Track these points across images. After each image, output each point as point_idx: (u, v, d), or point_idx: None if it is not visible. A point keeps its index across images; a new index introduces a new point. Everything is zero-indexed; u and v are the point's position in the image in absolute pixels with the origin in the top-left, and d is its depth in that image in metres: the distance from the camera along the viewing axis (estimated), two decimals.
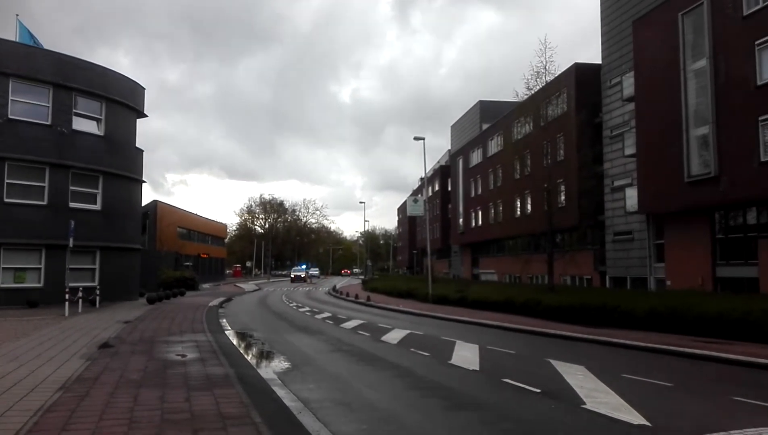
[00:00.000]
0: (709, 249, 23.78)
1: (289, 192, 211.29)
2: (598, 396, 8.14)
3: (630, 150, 29.14)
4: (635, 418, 6.90)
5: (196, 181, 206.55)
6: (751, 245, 21.88)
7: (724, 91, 22.27)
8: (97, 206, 27.16)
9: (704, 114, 23.21)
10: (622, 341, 13.90)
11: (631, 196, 29.14)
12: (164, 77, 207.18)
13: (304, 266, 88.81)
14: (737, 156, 21.54)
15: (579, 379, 9.40)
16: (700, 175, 23.29)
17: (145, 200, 45.95)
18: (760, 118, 20.48)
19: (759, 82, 20.64)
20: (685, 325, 15.03)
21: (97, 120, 27.46)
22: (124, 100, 28.75)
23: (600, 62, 34.14)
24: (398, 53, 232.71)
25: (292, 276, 77.44)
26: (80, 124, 26.68)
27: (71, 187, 26.02)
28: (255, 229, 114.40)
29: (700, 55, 23.42)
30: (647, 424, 6.67)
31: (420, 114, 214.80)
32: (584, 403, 7.72)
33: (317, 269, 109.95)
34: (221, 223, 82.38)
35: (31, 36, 27.62)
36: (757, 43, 20.70)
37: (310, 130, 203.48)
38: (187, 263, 52.48)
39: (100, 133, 27.50)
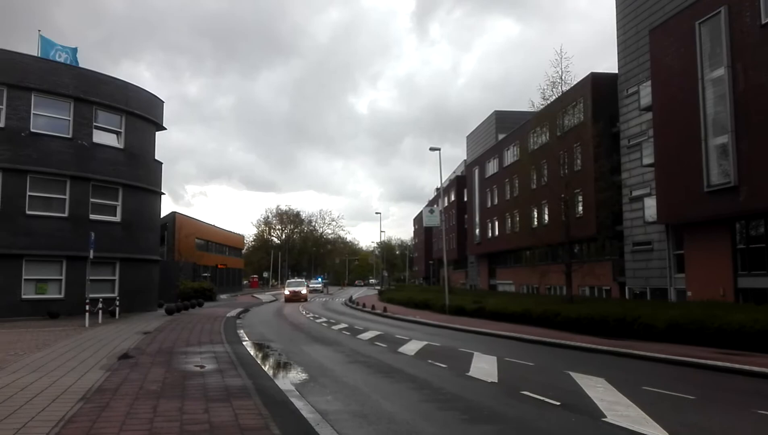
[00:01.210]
0: (729, 259, 23.43)
1: (307, 203, 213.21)
2: (618, 409, 8.04)
3: (648, 159, 28.89)
4: (657, 431, 6.80)
5: (215, 192, 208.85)
6: None
7: (743, 100, 22.02)
8: (117, 218, 27.51)
9: (723, 123, 22.96)
10: (642, 353, 13.72)
11: (650, 206, 28.86)
12: (185, 90, 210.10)
13: (304, 280, 67.69)
14: (757, 165, 21.24)
15: (599, 391, 9.29)
16: (719, 185, 23.01)
17: (164, 211, 46.59)
18: None
19: None
20: (707, 336, 14.79)
21: (117, 133, 27.90)
22: (143, 114, 29.18)
23: (617, 71, 33.99)
24: (416, 64, 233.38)
25: (287, 293, 51.11)
26: (100, 137, 27.13)
27: (91, 199, 26.41)
28: (272, 239, 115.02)
29: (718, 63, 23.21)
30: None
31: (438, 125, 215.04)
32: (605, 416, 7.62)
33: (320, 279, 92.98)
34: (238, 234, 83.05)
35: (54, 47, 28.14)
36: None
37: (328, 141, 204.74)
38: (205, 274, 52.88)
39: (120, 145, 27.93)
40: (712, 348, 14.08)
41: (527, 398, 8.98)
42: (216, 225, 69.93)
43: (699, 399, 8.87)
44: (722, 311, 16.21)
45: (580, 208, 33.51)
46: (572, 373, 11.02)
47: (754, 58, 21.57)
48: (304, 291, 51.67)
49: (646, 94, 29.05)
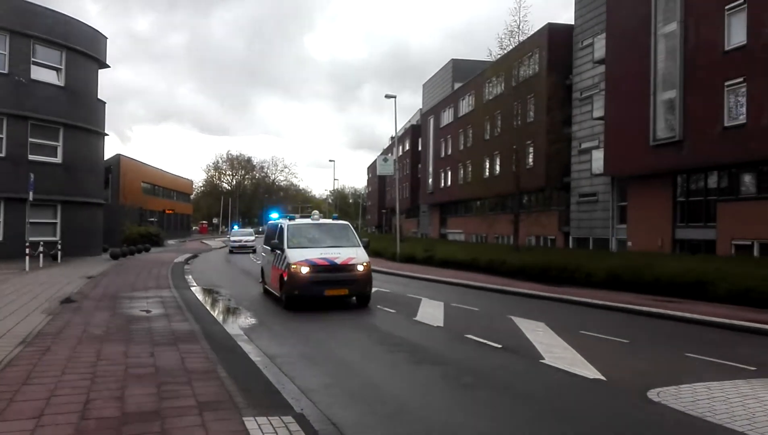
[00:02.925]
0: (669, 211, 24.39)
1: (260, 148, 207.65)
2: (556, 351, 8.39)
3: (598, 113, 29.37)
4: (591, 372, 7.16)
5: (165, 135, 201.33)
6: (710, 208, 22.50)
7: (693, 56, 22.49)
8: (58, 159, 26.38)
9: (672, 78, 23.46)
10: (582, 299, 14.30)
11: (598, 159, 29.53)
12: (134, 27, 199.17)
13: (251, 230, 51.63)
14: (702, 121, 21.91)
15: (539, 335, 9.67)
16: (664, 139, 23.69)
17: (109, 154, 44.89)
18: (726, 84, 20.79)
19: (727, 48, 20.87)
20: (644, 285, 15.49)
21: (57, 69, 26.43)
22: (85, 50, 27.66)
23: (573, 23, 34.02)
24: (378, 7, 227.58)
25: (233, 242, 42.42)
26: (39, 74, 25.66)
27: (30, 139, 25.17)
28: (222, 185, 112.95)
29: (671, 18, 23.51)
30: (602, 378, 6.92)
31: (398, 72, 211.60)
32: (543, 358, 7.96)
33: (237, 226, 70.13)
34: (187, 178, 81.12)
35: None
36: (727, 8, 20.83)
37: (284, 85, 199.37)
38: (152, 219, 51.68)
39: (60, 83, 26.52)
40: (649, 295, 14.78)
41: (470, 341, 9.27)
42: (164, 169, 68.11)
43: (632, 343, 9.34)
44: (659, 261, 16.99)
45: (531, 159, 33.98)
46: (514, 318, 11.41)
47: (705, 14, 21.93)
48: (250, 242, 41.66)
49: (600, 46, 29.27)
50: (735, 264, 15.72)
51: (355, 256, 13.18)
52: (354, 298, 13.48)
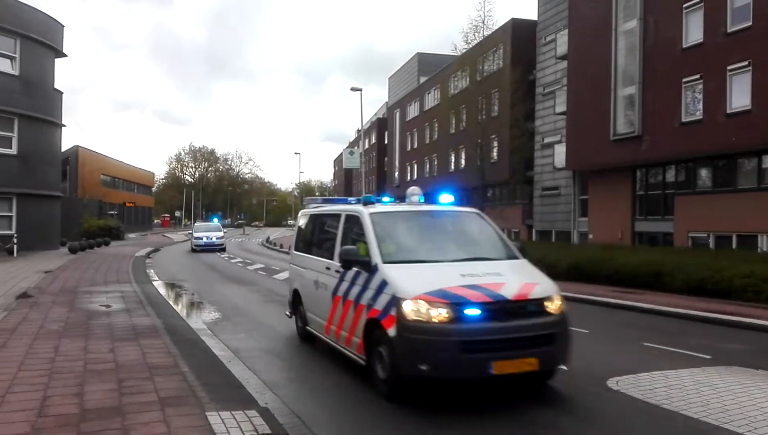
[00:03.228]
0: (629, 204, 24.97)
1: (224, 140, 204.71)
2: None
3: (561, 108, 29.84)
4: None
5: (126, 126, 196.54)
6: (668, 201, 23.12)
7: (652, 53, 23.01)
8: (13, 151, 25.51)
9: (632, 74, 23.97)
10: None
11: (560, 153, 30.02)
12: (95, 15, 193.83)
13: (219, 223, 45.59)
14: (660, 116, 22.47)
15: None
16: (624, 134, 24.21)
17: (67, 145, 43.68)
18: (683, 80, 21.34)
19: (684, 45, 21.40)
20: (605, 276, 15.86)
21: (11, 58, 25.50)
22: (40, 38, 26.76)
23: (537, 19, 34.41)
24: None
25: (195, 243, 34.88)
26: None
27: None
28: (185, 178, 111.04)
29: (632, 15, 24.00)
30: (563, 367, 7.04)
31: (365, 64, 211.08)
32: None
33: (216, 219, 61.68)
34: (148, 171, 79.42)
35: None
36: (684, 6, 21.36)
37: (248, 76, 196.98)
38: (112, 212, 50.45)
39: (15, 72, 25.60)
40: (609, 287, 15.13)
41: None
42: (124, 161, 66.59)
43: (592, 332, 9.54)
44: (619, 253, 17.39)
45: (495, 153, 34.35)
46: None
47: (664, 12, 22.44)
48: (217, 238, 34.60)
49: (562, 42, 29.69)
50: (691, 256, 16.19)
51: (533, 279, 6.32)
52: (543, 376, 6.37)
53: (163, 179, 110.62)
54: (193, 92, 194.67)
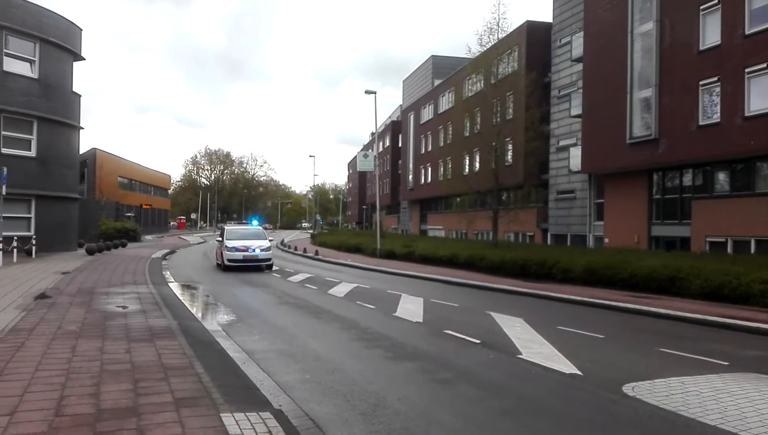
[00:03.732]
0: (645, 208, 24.74)
1: (240, 142, 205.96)
2: (533, 347, 8.48)
3: (576, 110, 29.66)
4: (567, 367, 7.25)
5: (143, 129, 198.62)
6: (685, 205, 22.88)
7: (668, 55, 22.81)
8: (32, 153, 25.87)
9: (648, 77, 23.78)
10: (559, 295, 14.45)
11: (575, 156, 29.83)
12: (114, 18, 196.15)
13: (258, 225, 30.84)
14: (677, 119, 22.25)
15: (517, 330, 9.76)
16: (641, 137, 24.01)
17: (85, 147, 44.19)
18: (700, 83, 21.13)
19: (701, 47, 21.20)
20: (620, 280, 15.74)
21: (31, 62, 25.89)
22: (59, 42, 27.14)
23: (551, 21, 34.26)
24: (360, 2, 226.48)
25: (231, 254, 22.45)
26: (12, 66, 25.10)
27: (3, 133, 24.63)
28: (200, 180, 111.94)
29: (648, 17, 23.81)
30: (578, 373, 7.01)
31: (381, 67, 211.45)
32: (520, 353, 8.04)
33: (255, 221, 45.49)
34: (165, 173, 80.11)
35: None
36: (702, 8, 21.16)
37: (265, 79, 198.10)
38: (129, 214, 50.95)
39: (34, 75, 25.98)
40: (625, 291, 15.00)
41: (449, 337, 9.32)
42: (141, 163, 67.23)
43: (608, 338, 9.47)
44: (635, 257, 17.24)
45: (510, 156, 34.16)
46: (493, 314, 11.49)
47: (681, 14, 22.24)
48: (262, 250, 22.76)
49: (578, 45, 29.54)
50: (708, 261, 16.00)
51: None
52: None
53: (179, 181, 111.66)
54: (209, 95, 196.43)
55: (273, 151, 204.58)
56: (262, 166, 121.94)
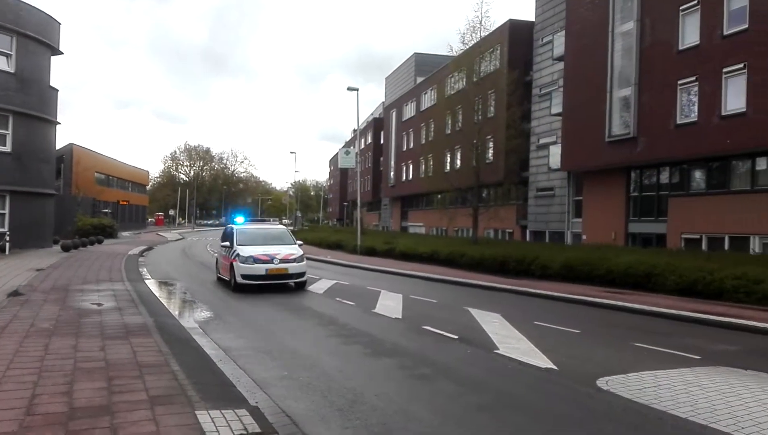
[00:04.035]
0: (623, 206, 25.03)
1: (221, 138, 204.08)
2: (511, 342, 8.54)
3: (557, 109, 29.88)
4: (544, 362, 7.32)
5: (123, 123, 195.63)
6: (661, 203, 23.18)
7: (648, 54, 23.07)
8: (7, 148, 25.40)
9: (628, 76, 24.03)
10: (537, 291, 14.58)
11: (555, 154, 30.05)
12: (94, 12, 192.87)
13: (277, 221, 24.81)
14: (656, 118, 22.53)
15: (495, 326, 9.82)
16: (620, 136, 24.27)
17: (62, 143, 43.50)
18: (679, 82, 21.40)
19: (681, 47, 21.46)
20: (597, 277, 15.92)
21: (7, 55, 25.39)
22: (36, 35, 26.65)
23: (534, 20, 34.45)
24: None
25: (246, 262, 15.02)
26: None
27: None
28: (179, 176, 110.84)
29: (629, 17, 24.05)
30: (554, 367, 7.08)
31: (363, 64, 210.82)
32: (498, 349, 8.10)
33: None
34: (143, 169, 79.15)
35: None
36: (681, 8, 21.41)
37: (246, 74, 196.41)
38: (106, 210, 50.26)
39: (10, 69, 25.48)
40: (602, 287, 15.18)
41: (428, 333, 9.35)
42: (118, 159, 66.41)
43: (584, 333, 9.58)
44: (612, 254, 17.44)
45: (491, 154, 34.34)
46: (471, 310, 11.55)
47: (661, 14, 22.50)
48: (292, 261, 15.54)
49: (559, 43, 29.73)
50: (684, 257, 16.26)
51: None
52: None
53: (157, 178, 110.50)
54: (190, 90, 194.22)
55: (254, 148, 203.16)
56: (242, 162, 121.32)
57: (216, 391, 5.64)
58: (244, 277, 14.78)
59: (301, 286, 15.54)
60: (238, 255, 15.13)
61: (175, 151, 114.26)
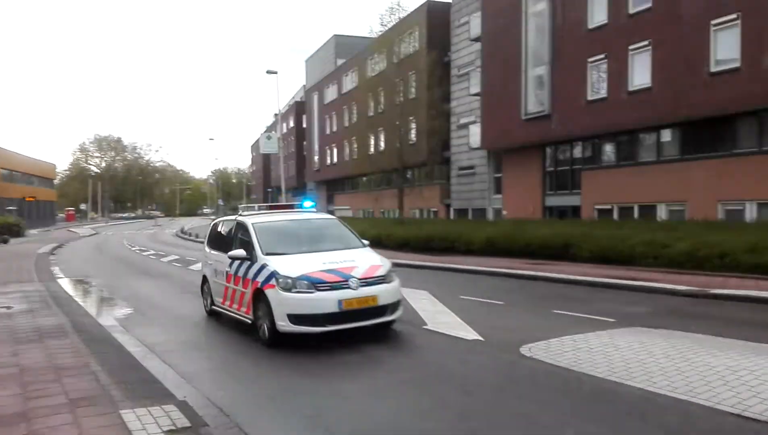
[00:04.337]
0: (540, 181, 26.01)
1: (133, 127, 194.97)
2: (439, 317, 8.74)
3: (475, 89, 30.51)
4: (470, 334, 7.54)
5: (24, 116, 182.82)
6: (575, 176, 24.26)
7: (560, 34, 23.90)
8: None
9: (542, 55, 24.82)
10: (462, 267, 14.97)
11: (475, 133, 30.76)
12: None
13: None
14: (568, 95, 23.45)
15: (423, 303, 10.01)
16: (535, 113, 25.11)
17: None
18: (589, 60, 22.32)
19: (590, 26, 22.34)
20: (518, 250, 16.50)
21: None
22: None
23: (451, 1, 34.81)
24: None
25: (300, 284, 7.33)
26: None
27: None
28: (90, 168, 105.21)
29: None
30: (480, 338, 7.32)
31: (282, 47, 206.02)
32: (425, 325, 8.29)
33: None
34: (49, 162, 74.56)
35: None
36: None
37: (157, 60, 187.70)
38: (11, 208, 47.16)
39: None
40: (523, 259, 15.75)
41: None
42: (20, 152, 62.22)
43: (507, 304, 9.93)
44: (532, 227, 18.13)
45: (413, 135, 34.73)
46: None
47: None
48: (377, 280, 7.76)
49: (476, 24, 30.25)
50: (597, 227, 17.11)
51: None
52: None
53: (66, 171, 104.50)
54: (95, 78, 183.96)
55: (170, 136, 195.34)
56: (157, 151, 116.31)
57: (141, 388, 5.44)
58: (295, 318, 7.28)
59: (391, 323, 8.10)
60: (274, 274, 7.56)
61: (84, 143, 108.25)
